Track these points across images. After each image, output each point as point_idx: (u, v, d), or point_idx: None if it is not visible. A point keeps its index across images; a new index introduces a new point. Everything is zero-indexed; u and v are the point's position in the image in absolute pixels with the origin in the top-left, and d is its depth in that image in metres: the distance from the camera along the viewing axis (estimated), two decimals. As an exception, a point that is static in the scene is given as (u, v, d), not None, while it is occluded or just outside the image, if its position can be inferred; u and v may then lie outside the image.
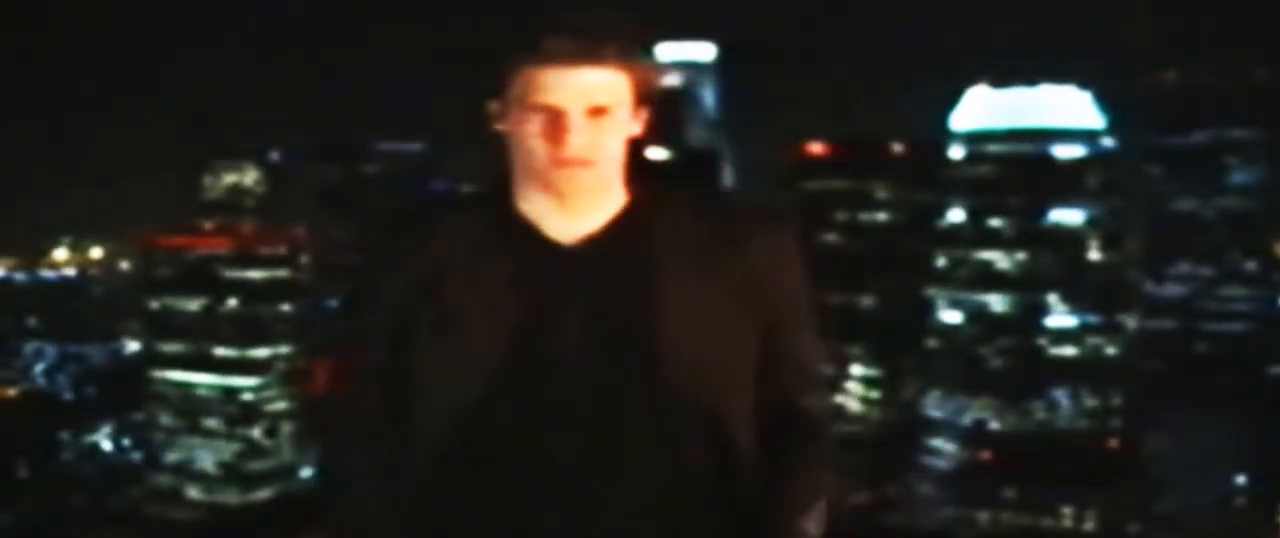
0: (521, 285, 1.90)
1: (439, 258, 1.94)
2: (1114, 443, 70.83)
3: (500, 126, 1.96)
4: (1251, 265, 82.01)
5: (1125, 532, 62.83)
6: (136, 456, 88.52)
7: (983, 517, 66.21)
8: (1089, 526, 60.72)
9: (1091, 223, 75.93)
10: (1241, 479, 70.96)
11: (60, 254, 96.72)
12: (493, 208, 1.97)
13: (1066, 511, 63.68)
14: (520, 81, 1.89)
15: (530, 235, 1.93)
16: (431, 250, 1.95)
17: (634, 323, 1.89)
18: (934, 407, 76.51)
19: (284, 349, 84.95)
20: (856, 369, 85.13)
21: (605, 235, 1.93)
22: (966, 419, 74.13)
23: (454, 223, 1.97)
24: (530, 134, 1.89)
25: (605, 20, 1.87)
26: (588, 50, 1.86)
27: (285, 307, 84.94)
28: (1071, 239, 75.45)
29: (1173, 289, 79.91)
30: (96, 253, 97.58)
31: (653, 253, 1.92)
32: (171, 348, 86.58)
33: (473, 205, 2.01)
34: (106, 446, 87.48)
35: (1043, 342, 74.38)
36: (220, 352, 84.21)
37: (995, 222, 75.98)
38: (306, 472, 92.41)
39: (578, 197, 1.91)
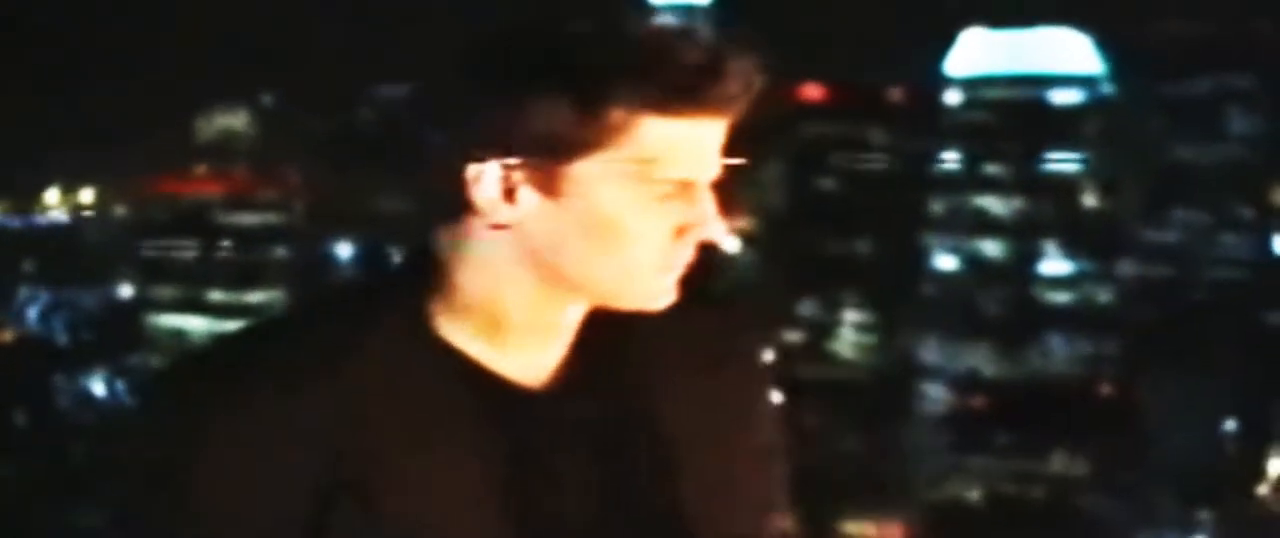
0: (491, 468, 1.28)
1: (355, 446, 1.24)
2: (1107, 390, 71.05)
3: (527, 212, 1.29)
4: (1249, 213, 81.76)
5: (1116, 478, 63.09)
6: (131, 403, 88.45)
7: (975, 462, 66.54)
8: (1080, 472, 61.05)
9: (1089, 170, 75.83)
10: (1232, 425, 71.27)
11: (52, 198, 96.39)
12: (410, 331, 1.31)
13: (1058, 457, 63.94)
14: (625, 138, 1.25)
15: (479, 379, 1.30)
16: (346, 420, 1.25)
17: (650, 502, 1.36)
18: (928, 353, 76.68)
19: (278, 294, 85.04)
20: (850, 315, 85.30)
21: (581, 371, 1.37)
22: (960, 366, 74.33)
23: (367, 368, 1.27)
24: (644, 222, 1.28)
25: (738, 39, 1.30)
26: (747, 94, 1.30)
27: (280, 251, 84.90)
28: (1068, 186, 75.44)
29: (1169, 237, 79.72)
30: (88, 197, 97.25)
31: (648, 389, 1.39)
32: (165, 293, 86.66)
33: (378, 327, 1.30)
34: (101, 392, 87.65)
35: (1038, 289, 74.51)
36: (215, 296, 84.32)
37: (991, 168, 75.91)
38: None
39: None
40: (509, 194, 1.27)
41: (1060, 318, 73.38)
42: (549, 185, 1.27)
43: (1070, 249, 74.65)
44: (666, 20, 1.29)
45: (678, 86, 1.24)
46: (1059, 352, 73.09)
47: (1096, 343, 72.74)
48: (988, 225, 76.34)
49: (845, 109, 79.76)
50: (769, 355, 1.51)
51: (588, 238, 1.28)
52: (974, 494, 64.51)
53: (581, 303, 1.34)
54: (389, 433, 1.23)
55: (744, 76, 1.28)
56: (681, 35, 1.24)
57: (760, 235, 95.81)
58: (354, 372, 1.25)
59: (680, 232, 1.30)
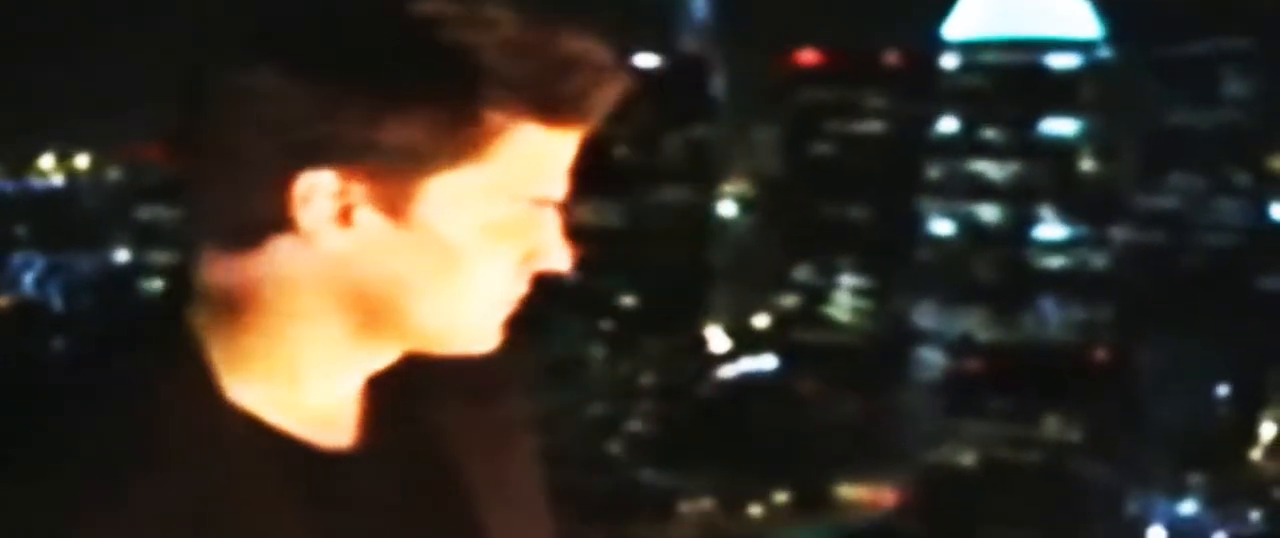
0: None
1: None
2: (1101, 355, 71.22)
3: (357, 229, 1.04)
4: (1244, 179, 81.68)
5: (1110, 442, 63.32)
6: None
7: (969, 426, 66.78)
8: (1074, 436, 61.30)
9: (1085, 134, 75.76)
10: (1224, 391, 71.49)
11: (46, 163, 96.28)
12: (196, 402, 1.05)
13: (1052, 421, 64.15)
14: (496, 149, 1.01)
15: (284, 452, 1.07)
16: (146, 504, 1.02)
17: None
18: (923, 318, 76.84)
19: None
20: (846, 280, 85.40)
21: (380, 424, 1.15)
22: (955, 330, 74.51)
23: (157, 477, 1.01)
24: (494, 251, 1.05)
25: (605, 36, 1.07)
26: (622, 101, 1.07)
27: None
28: (1064, 151, 75.36)
29: (1164, 202, 79.69)
30: (83, 162, 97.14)
31: (444, 433, 1.19)
32: (161, 258, 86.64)
33: (158, 408, 1.04)
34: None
35: (1033, 253, 74.60)
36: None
37: (987, 132, 75.76)
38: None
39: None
40: (344, 215, 1.01)
41: (1055, 283, 73.49)
42: (396, 205, 1.01)
43: (1066, 214, 74.68)
44: (550, 10, 1.03)
45: (570, 91, 1.01)
46: (1054, 317, 73.25)
47: (1091, 308, 72.88)
48: (984, 190, 76.33)
49: (842, 74, 79.54)
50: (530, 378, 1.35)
51: (431, 270, 1.03)
52: (968, 458, 64.78)
53: (393, 350, 1.10)
54: (173, 512, 1.00)
55: (625, 81, 1.05)
56: (569, 30, 1.01)
57: (757, 200, 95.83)
58: (146, 488, 0.99)
59: (527, 259, 1.09)
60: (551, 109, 1.00)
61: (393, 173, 0.99)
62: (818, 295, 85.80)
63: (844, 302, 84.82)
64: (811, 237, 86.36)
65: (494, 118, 0.99)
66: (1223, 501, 67.85)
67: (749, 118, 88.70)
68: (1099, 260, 74.47)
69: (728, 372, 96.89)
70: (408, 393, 1.15)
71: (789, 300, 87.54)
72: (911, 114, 78.61)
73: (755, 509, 76.15)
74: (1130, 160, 79.77)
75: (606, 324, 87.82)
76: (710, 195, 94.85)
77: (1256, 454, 71.41)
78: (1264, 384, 72.10)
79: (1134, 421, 65.69)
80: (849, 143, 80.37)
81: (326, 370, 1.08)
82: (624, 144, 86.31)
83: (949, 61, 77.86)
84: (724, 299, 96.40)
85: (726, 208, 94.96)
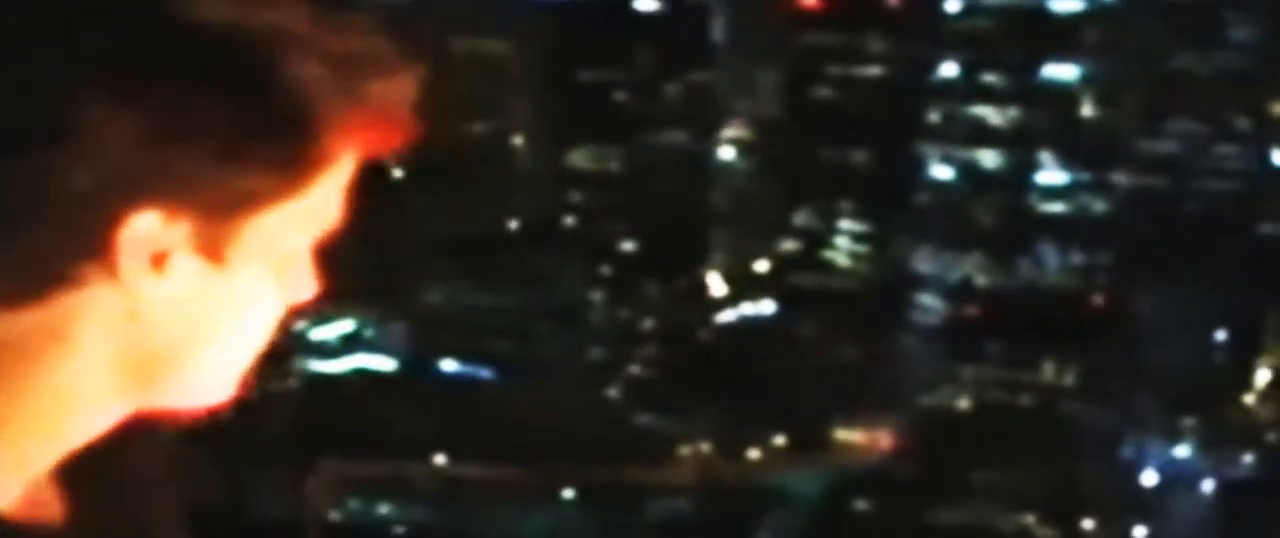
0: None
1: None
2: (1099, 300, 71.47)
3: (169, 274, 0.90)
4: (1246, 124, 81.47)
5: (1106, 387, 63.73)
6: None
7: (967, 371, 67.12)
8: (1069, 381, 61.66)
9: (1086, 79, 75.52)
10: (1221, 336, 71.79)
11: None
12: None
13: (1049, 366, 64.45)
14: (320, 180, 0.94)
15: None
16: None
17: None
18: (922, 262, 76.99)
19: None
20: (846, 224, 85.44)
21: (78, 499, 1.02)
22: (954, 275, 74.69)
23: None
24: (275, 290, 0.99)
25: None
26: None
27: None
28: (1066, 96, 75.13)
29: (1166, 147, 79.53)
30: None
31: (139, 513, 1.09)
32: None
33: None
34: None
35: (1033, 198, 74.61)
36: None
37: (989, 77, 75.49)
38: (298, 323, 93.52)
39: None
40: (159, 260, 0.88)
41: (1055, 228, 73.58)
42: (215, 247, 0.89)
43: (1067, 159, 74.61)
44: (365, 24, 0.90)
45: (397, 112, 0.94)
46: (1053, 262, 73.41)
47: (1090, 253, 73.02)
48: (984, 135, 76.17)
49: (843, 17, 79.11)
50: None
51: (225, 317, 0.93)
52: (965, 402, 65.19)
53: (130, 408, 0.97)
54: None
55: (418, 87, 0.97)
56: (388, 46, 0.94)
57: (757, 145, 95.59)
58: None
59: (289, 296, 1.02)
60: (378, 132, 0.96)
61: (221, 211, 0.88)
62: (817, 240, 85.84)
63: (843, 246, 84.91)
64: (811, 181, 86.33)
65: (329, 148, 0.92)
66: (1216, 445, 68.41)
67: (749, 62, 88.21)
68: (1099, 206, 74.48)
69: (727, 316, 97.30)
70: (113, 465, 1.03)
71: (789, 245, 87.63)
72: (912, 58, 78.28)
73: (753, 453, 76.74)
74: (1132, 105, 79.48)
75: (606, 269, 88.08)
76: (710, 140, 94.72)
77: (1251, 399, 71.86)
78: (1261, 330, 72.40)
79: (1130, 365, 66.05)
80: (850, 87, 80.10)
81: (57, 439, 0.93)
82: (624, 89, 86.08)
83: (951, 5, 77.44)
84: (723, 244, 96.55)
85: (726, 152, 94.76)
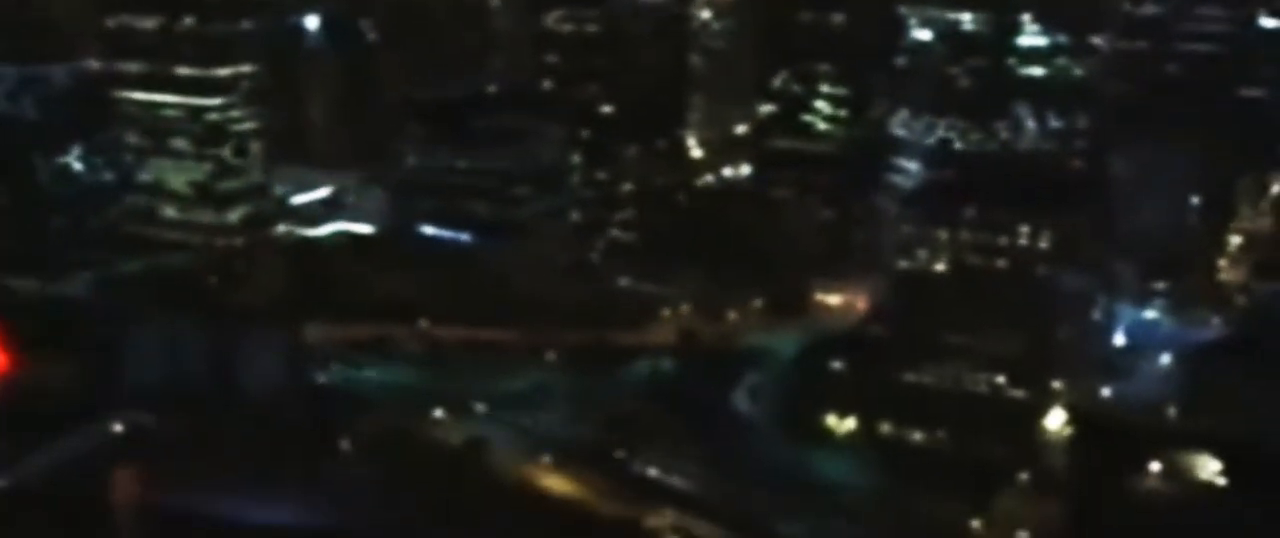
0: None
1: None
2: (1075, 164, 71.55)
3: None
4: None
5: (1079, 251, 64.11)
6: (109, 176, 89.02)
7: (943, 234, 67.23)
8: (1044, 245, 61.89)
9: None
10: (1195, 201, 72.08)
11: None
12: None
13: (1024, 230, 64.64)
14: None
15: None
16: None
17: None
18: (901, 126, 76.76)
19: (246, 68, 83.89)
20: (825, 88, 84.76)
21: None
22: (932, 139, 74.59)
23: None
24: None
25: None
26: None
27: (245, 24, 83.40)
28: (1048, -44, 73.94)
29: (1148, 9, 78.59)
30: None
31: None
32: (132, 68, 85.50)
33: None
34: (78, 167, 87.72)
35: (1012, 62, 74.04)
36: (182, 71, 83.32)
37: (971, -62, 74.22)
38: (279, 190, 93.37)
39: None
40: None
41: (1033, 91, 73.23)
42: None
43: (1046, 21, 73.80)
44: None
45: None
46: (1031, 126, 73.24)
47: (1068, 117, 72.82)
48: (965, -3, 75.28)
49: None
50: None
51: None
52: (940, 265, 65.57)
53: None
54: None
55: None
56: None
57: (735, 7, 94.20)
58: None
59: None
60: None
61: None
62: (796, 103, 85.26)
63: (822, 110, 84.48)
64: (790, 44, 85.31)
65: None
66: (1186, 308, 69.22)
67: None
68: (1079, 69, 74.00)
69: (706, 180, 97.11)
70: None
71: (767, 108, 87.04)
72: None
73: (732, 315, 77.35)
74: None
75: (585, 132, 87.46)
76: (689, 2, 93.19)
77: (1222, 263, 72.51)
78: (1234, 194, 72.73)
79: (1104, 229, 66.40)
80: (831, -53, 78.65)
81: None
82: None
83: None
84: (702, 107, 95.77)
85: (704, 14, 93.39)
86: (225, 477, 52.55)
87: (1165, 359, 64.06)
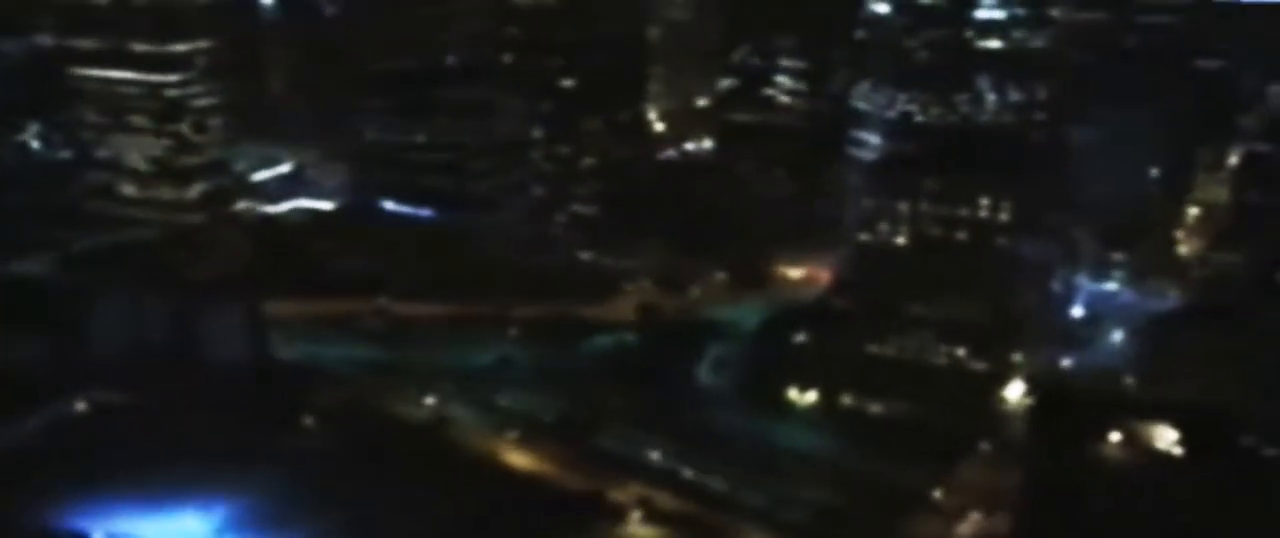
0: None
1: None
2: (1036, 135, 71.91)
3: None
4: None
5: (1040, 221, 64.54)
6: (67, 154, 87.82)
7: (903, 206, 67.48)
8: (1004, 216, 62.21)
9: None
10: (1154, 172, 72.69)
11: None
12: None
13: (984, 201, 65.01)
14: None
15: None
16: None
17: None
18: (861, 99, 76.83)
19: (204, 43, 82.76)
20: (785, 62, 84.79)
21: None
22: (892, 112, 74.71)
23: None
24: None
25: None
26: None
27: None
28: (1006, -72, 74.06)
29: (1106, -21, 79.15)
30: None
31: None
32: (87, 44, 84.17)
33: None
34: (36, 144, 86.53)
35: (970, 34, 74.22)
36: (138, 47, 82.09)
37: (928, -91, 74.18)
38: (239, 165, 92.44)
39: None
40: None
41: (993, 63, 73.47)
42: None
43: (1006, -7, 74.10)
44: None
45: None
46: (990, 97, 73.54)
47: (1027, 88, 73.15)
48: (924, -32, 75.27)
49: None
50: None
51: None
52: (901, 237, 65.87)
53: None
54: None
55: None
56: None
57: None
58: None
59: None
60: None
61: None
62: (757, 76, 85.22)
63: (783, 83, 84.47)
64: (750, 17, 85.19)
65: None
66: (1145, 279, 69.93)
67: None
68: (1038, 40, 74.29)
69: (667, 153, 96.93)
70: None
71: (728, 81, 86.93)
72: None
73: (694, 288, 77.36)
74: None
75: (546, 105, 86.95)
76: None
77: (1180, 234, 73.25)
78: (1193, 164, 73.42)
79: (1064, 200, 66.87)
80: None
81: None
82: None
83: None
84: (663, 80, 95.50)
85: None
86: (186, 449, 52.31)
87: (1124, 329, 64.75)
